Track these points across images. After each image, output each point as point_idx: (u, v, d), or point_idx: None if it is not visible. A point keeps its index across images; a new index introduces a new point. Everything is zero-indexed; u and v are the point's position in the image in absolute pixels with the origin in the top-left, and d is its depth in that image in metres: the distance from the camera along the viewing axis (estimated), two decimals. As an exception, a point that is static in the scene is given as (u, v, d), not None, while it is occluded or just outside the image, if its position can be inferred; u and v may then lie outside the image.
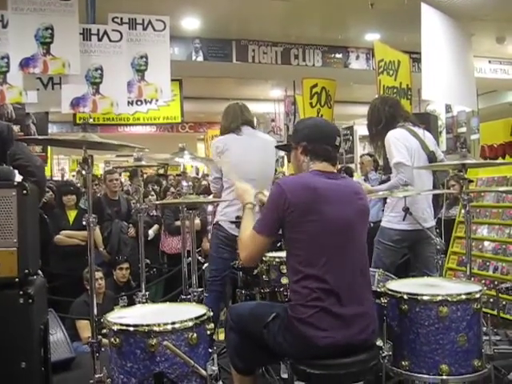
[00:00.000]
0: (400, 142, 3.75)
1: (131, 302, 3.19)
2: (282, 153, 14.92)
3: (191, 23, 8.01)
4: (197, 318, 2.30)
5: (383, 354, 2.65)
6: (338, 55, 9.16)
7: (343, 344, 2.23)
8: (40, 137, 2.47)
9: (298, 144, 2.52)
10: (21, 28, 5.69)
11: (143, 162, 3.00)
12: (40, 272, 2.77)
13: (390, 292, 2.70)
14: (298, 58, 8.92)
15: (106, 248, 5.97)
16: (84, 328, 4.71)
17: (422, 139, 3.85)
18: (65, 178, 14.79)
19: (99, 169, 18.75)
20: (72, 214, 5.87)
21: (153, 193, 7.53)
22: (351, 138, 12.37)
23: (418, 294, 2.58)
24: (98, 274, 5.08)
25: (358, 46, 8.96)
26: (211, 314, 2.42)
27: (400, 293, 2.64)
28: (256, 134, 4.12)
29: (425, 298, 2.56)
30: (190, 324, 2.25)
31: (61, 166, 18.95)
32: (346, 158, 12.30)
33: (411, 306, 2.57)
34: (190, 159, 3.05)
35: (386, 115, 3.91)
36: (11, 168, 1.96)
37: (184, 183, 3.03)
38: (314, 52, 9.01)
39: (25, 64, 5.66)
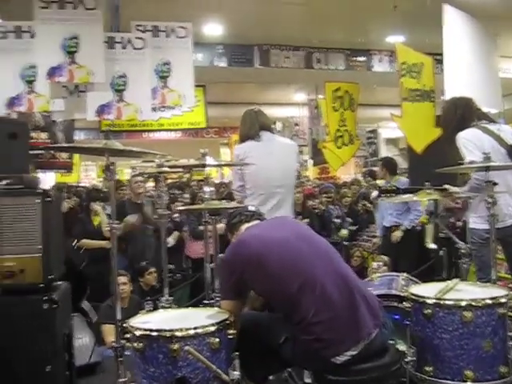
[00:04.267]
0: (470, 142, 3.67)
1: (157, 307, 3.22)
2: (306, 156, 14.97)
3: (214, 29, 8.08)
4: (219, 323, 2.31)
5: (407, 359, 2.62)
6: (361, 58, 9.13)
7: (360, 350, 2.23)
8: (64, 144, 2.52)
9: None
10: (47, 38, 5.81)
11: (165, 168, 3.03)
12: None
13: (413, 296, 2.67)
14: (321, 61, 8.92)
15: (128, 251, 6.02)
16: (108, 332, 4.75)
17: (498, 134, 3.76)
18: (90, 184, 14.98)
19: (125, 174, 18.95)
20: (97, 219, 5.94)
21: (180, 198, 7.54)
22: (375, 140, 12.29)
23: (441, 299, 2.54)
24: (123, 279, 5.11)
25: (381, 49, 8.92)
26: (233, 319, 2.43)
27: (423, 297, 2.60)
28: (276, 139, 4.09)
29: (449, 302, 2.52)
30: (212, 329, 2.26)
31: (88, 173, 19.22)
32: (371, 161, 12.22)
33: (435, 310, 2.53)
34: (212, 164, 3.06)
35: (458, 118, 3.84)
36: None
37: (206, 189, 3.03)
38: (337, 55, 9.01)
39: (51, 73, 5.78)
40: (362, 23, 7.59)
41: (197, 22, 7.20)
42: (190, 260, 6.95)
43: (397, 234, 5.98)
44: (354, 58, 9.07)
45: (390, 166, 6.32)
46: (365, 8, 6.93)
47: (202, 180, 3.06)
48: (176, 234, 6.76)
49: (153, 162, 3.34)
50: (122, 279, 5.12)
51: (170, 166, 3.19)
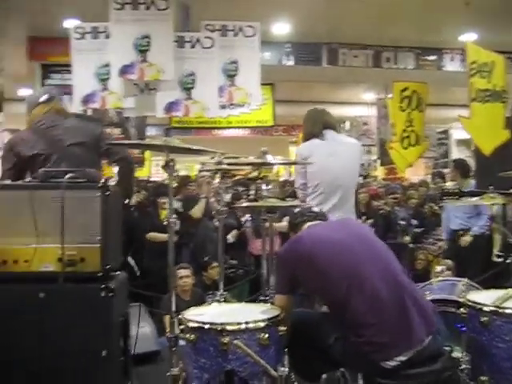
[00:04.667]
0: None
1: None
2: (374, 156, 14.74)
3: (282, 28, 8.11)
4: (269, 319, 2.35)
5: (461, 367, 2.57)
6: (432, 57, 8.87)
7: (411, 356, 2.20)
8: (126, 141, 2.65)
9: None
10: (121, 38, 6.04)
11: (223, 166, 3.11)
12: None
13: (470, 303, 2.61)
14: (390, 60, 8.74)
15: (191, 245, 6.18)
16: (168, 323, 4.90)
17: None
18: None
19: (195, 170, 19.37)
20: (164, 213, 6.14)
21: (244, 196, 7.62)
22: (446, 141, 11.91)
23: (500, 307, 2.47)
24: (185, 272, 5.25)
25: (453, 47, 8.64)
26: (284, 315, 2.46)
27: (480, 304, 2.54)
28: (340, 138, 4.07)
29: (507, 311, 2.44)
30: (262, 325, 2.31)
31: (159, 168, 19.78)
32: (441, 162, 11.86)
33: (492, 318, 2.46)
34: (271, 163, 3.10)
35: None
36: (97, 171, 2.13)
37: (264, 186, 3.08)
38: (407, 54, 8.81)
39: (124, 71, 6.00)
40: (434, 21, 7.37)
41: (265, 21, 7.24)
42: (253, 257, 7.05)
43: (466, 239, 5.81)
44: (425, 57, 8.83)
45: (462, 168, 6.15)
46: (436, 6, 6.73)
47: (260, 178, 3.10)
48: (235, 232, 6.80)
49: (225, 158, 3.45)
50: (185, 272, 5.27)
51: (228, 164, 3.25)
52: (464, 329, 2.63)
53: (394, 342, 2.23)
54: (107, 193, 2.07)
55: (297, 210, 3.91)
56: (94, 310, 2.02)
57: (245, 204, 5.61)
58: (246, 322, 2.30)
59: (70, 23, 6.79)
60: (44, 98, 3.22)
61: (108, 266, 2.07)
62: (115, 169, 3.88)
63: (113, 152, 3.18)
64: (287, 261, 2.52)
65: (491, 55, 5.94)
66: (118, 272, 2.33)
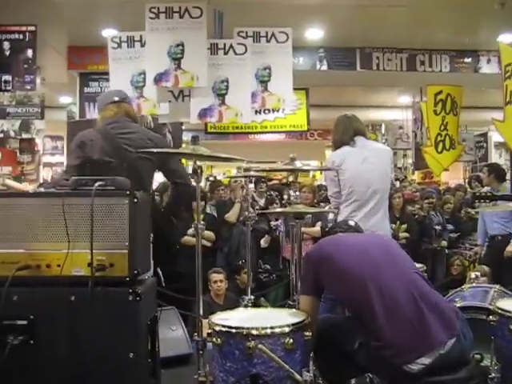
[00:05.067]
0: None
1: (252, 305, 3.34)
2: (409, 160, 14.57)
3: (315, 33, 8.11)
4: (294, 324, 2.38)
5: (491, 376, 2.54)
6: (467, 59, 8.72)
7: (434, 360, 2.20)
8: (155, 150, 2.71)
9: None
10: (156, 46, 6.18)
11: (252, 172, 3.16)
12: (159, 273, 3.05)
13: (499, 310, 2.58)
14: (425, 63, 8.64)
15: (225, 249, 6.24)
16: (204, 327, 4.96)
17: None
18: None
19: (231, 174, 19.47)
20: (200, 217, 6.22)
21: (277, 201, 7.63)
22: (485, 145, 11.67)
23: (530, 315, 2.43)
24: (219, 277, 5.31)
25: (490, 49, 8.46)
26: (310, 320, 2.48)
27: (510, 312, 2.50)
28: (370, 144, 4.07)
29: (537, 319, 2.41)
30: (287, 330, 2.33)
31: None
32: (480, 166, 11.62)
33: (522, 326, 2.43)
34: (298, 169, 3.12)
35: None
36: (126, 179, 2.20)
37: (291, 192, 3.11)
38: (442, 57, 8.68)
39: (158, 79, 6.14)
40: (468, 23, 7.23)
41: (298, 26, 7.27)
42: (286, 261, 7.06)
43: (510, 249, 5.66)
44: (460, 60, 8.68)
45: (497, 172, 6.03)
46: (471, 7, 6.62)
47: (291, 183, 3.14)
48: (267, 237, 6.78)
49: (259, 163, 3.50)
50: (218, 277, 5.33)
51: (257, 171, 3.30)
52: (493, 337, 2.60)
53: (411, 344, 2.23)
54: (135, 200, 2.14)
55: (331, 217, 3.93)
56: (122, 314, 2.09)
57: (270, 210, 5.65)
58: (272, 327, 2.33)
59: (107, 32, 6.98)
60: (116, 98, 3.35)
61: (135, 271, 2.14)
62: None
63: (169, 169, 3.27)
64: (311, 261, 2.62)
65: (527, 56, 5.81)
66: (147, 276, 2.39)
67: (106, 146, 3.05)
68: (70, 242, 2.12)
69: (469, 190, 8.71)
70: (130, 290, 2.09)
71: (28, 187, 4.77)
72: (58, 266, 2.15)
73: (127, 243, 2.10)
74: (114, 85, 6.23)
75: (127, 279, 2.10)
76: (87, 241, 2.08)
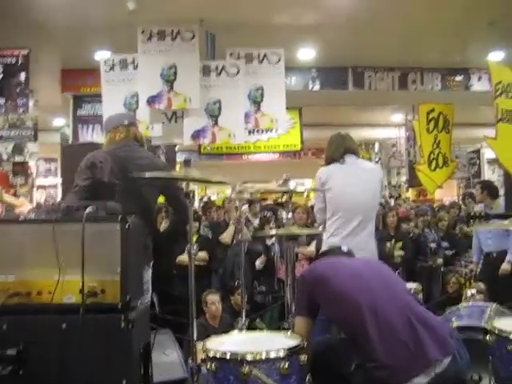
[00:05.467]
0: None
1: (248, 326, 3.31)
2: (403, 178, 14.61)
3: (307, 53, 8.17)
4: (290, 348, 2.35)
5: (488, 396, 2.51)
6: (459, 77, 8.79)
7: (431, 379, 2.18)
8: (148, 174, 2.70)
9: None
10: (149, 68, 6.22)
11: (245, 195, 3.15)
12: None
13: (496, 331, 2.55)
14: (416, 82, 8.70)
15: (219, 270, 6.20)
16: (198, 350, 4.90)
17: None
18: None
19: (226, 194, 19.46)
20: (193, 239, 6.18)
21: (273, 221, 7.59)
22: (478, 161, 11.74)
23: (526, 335, 2.41)
24: (215, 298, 5.24)
25: (480, 67, 8.55)
26: (305, 344, 2.45)
27: (506, 332, 2.48)
28: (360, 163, 4.06)
29: (535, 339, 2.38)
30: (282, 354, 2.30)
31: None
32: (473, 182, 11.67)
33: (519, 346, 2.41)
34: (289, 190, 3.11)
35: None
36: (116, 203, 2.18)
37: (284, 214, 3.10)
38: (433, 75, 8.75)
39: (151, 101, 6.17)
40: (458, 42, 7.30)
41: (290, 46, 7.32)
42: (281, 282, 7.01)
43: (505, 268, 5.65)
44: (451, 78, 8.76)
45: (490, 189, 6.04)
46: (462, 25, 6.69)
47: (284, 203, 3.13)
48: (263, 258, 6.72)
49: (255, 182, 3.50)
50: (215, 299, 5.27)
51: (250, 193, 3.29)
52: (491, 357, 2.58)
53: (407, 365, 2.22)
54: (127, 225, 2.12)
55: (325, 240, 3.90)
56: (114, 341, 2.05)
57: (264, 232, 5.65)
58: (267, 352, 2.30)
59: (100, 55, 7.01)
60: (126, 121, 3.38)
61: (128, 298, 2.11)
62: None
63: (169, 194, 3.28)
64: (306, 282, 2.62)
65: (516, 74, 5.87)
66: (139, 302, 2.36)
67: (115, 168, 3.06)
68: (61, 268, 2.09)
69: (463, 206, 8.73)
70: (122, 317, 2.06)
71: (25, 203, 4.75)
72: (49, 293, 2.12)
73: (119, 269, 2.07)
74: (107, 107, 6.24)
75: (119, 306, 2.08)
76: (78, 267, 2.05)
